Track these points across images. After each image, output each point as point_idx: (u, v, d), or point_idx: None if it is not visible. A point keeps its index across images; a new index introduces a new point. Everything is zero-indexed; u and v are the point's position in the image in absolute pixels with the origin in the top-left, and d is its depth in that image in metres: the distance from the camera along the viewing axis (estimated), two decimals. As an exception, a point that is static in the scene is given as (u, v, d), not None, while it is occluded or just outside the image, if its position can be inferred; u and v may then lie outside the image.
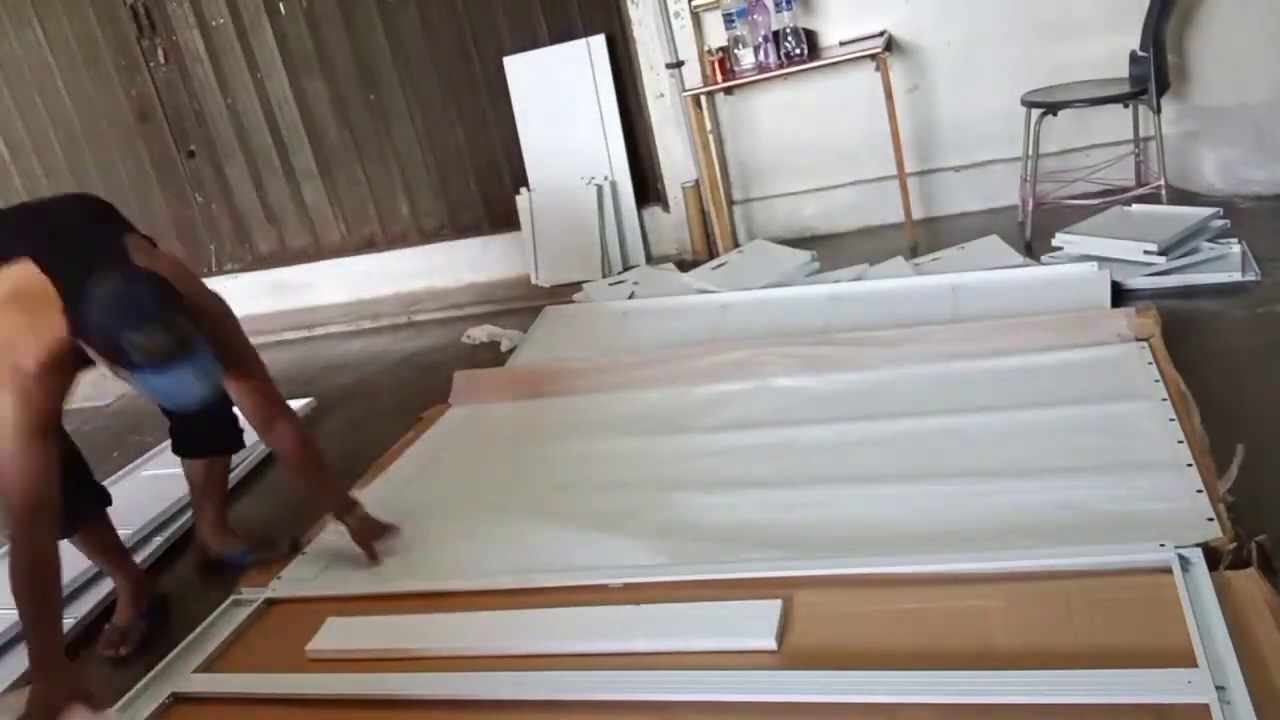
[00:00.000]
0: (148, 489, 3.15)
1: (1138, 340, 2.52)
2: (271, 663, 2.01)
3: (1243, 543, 1.68)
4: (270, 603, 2.24)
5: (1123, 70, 3.44)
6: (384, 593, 2.17)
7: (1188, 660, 1.44)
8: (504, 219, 4.74)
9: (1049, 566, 1.73)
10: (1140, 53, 3.32)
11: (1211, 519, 1.77)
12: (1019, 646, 1.58)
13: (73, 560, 2.65)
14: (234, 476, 3.12)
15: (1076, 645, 1.55)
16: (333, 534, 2.42)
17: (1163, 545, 1.68)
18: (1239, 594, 1.57)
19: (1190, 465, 1.94)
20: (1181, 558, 1.65)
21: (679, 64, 4.09)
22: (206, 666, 2.04)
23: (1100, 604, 1.63)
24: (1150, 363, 2.40)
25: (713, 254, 4.23)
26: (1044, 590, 1.68)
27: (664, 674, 1.68)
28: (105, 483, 3.19)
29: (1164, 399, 2.21)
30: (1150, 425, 2.14)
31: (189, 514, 2.89)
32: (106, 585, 2.58)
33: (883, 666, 1.58)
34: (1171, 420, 2.12)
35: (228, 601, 2.26)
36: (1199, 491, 1.85)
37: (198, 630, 2.15)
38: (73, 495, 2.11)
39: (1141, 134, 3.66)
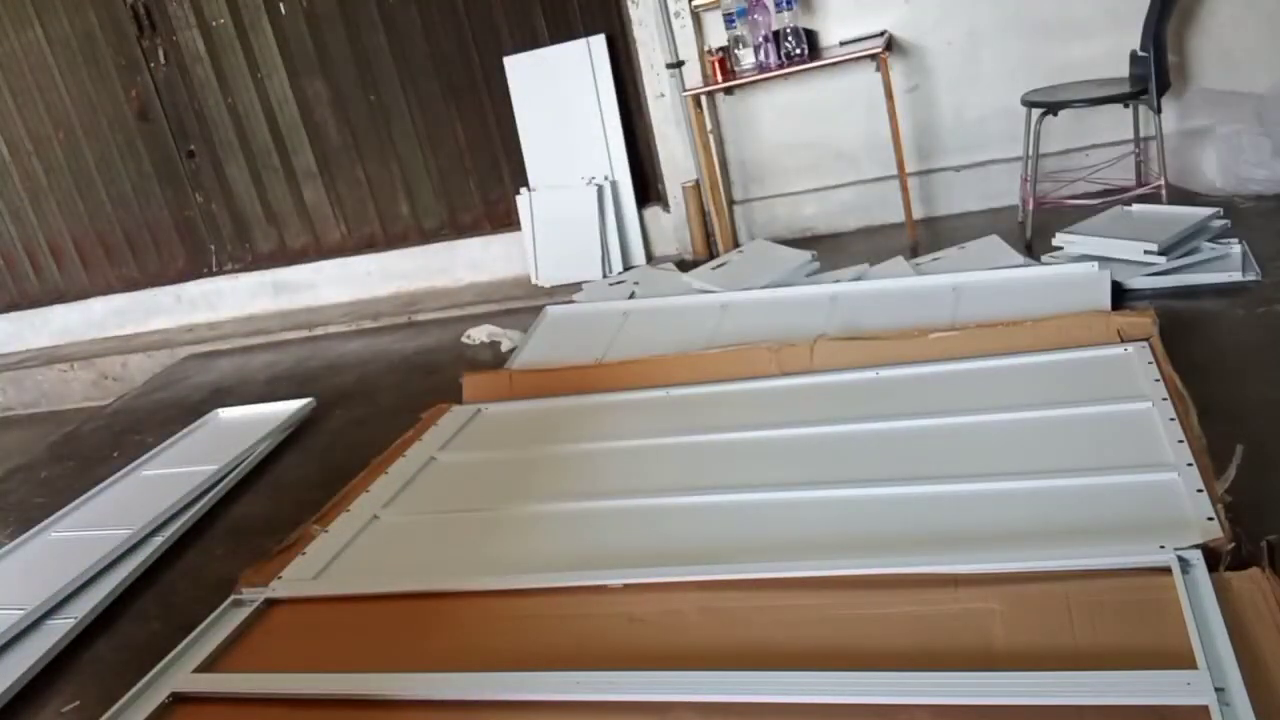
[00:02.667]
0: (147, 489, 3.14)
1: (1138, 340, 2.52)
2: (271, 663, 2.01)
3: (1241, 543, 1.68)
4: (270, 603, 2.23)
5: (1123, 70, 3.44)
6: (384, 593, 2.16)
7: (1187, 662, 1.44)
8: (504, 219, 4.74)
9: (1049, 568, 1.72)
10: (1140, 52, 3.32)
11: (1211, 519, 1.77)
12: (1019, 648, 1.58)
13: (72, 558, 2.69)
14: (234, 475, 3.13)
15: (1076, 647, 1.55)
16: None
17: (1162, 547, 1.68)
18: (1239, 595, 1.57)
19: (1191, 465, 1.94)
20: (1181, 559, 1.65)
21: (679, 64, 4.09)
22: (206, 666, 2.03)
23: (1100, 605, 1.62)
24: (1150, 362, 2.40)
25: (713, 254, 4.23)
26: (1043, 592, 1.68)
27: (663, 674, 1.67)
28: (106, 483, 3.24)
29: (1164, 399, 2.21)
30: (1151, 425, 2.14)
31: (189, 514, 2.91)
32: (107, 585, 2.58)
33: (882, 667, 1.58)
34: (1172, 420, 2.11)
35: (228, 601, 2.25)
36: (1199, 491, 1.85)
37: (198, 630, 2.15)
38: None
39: (1142, 134, 3.66)
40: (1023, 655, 1.56)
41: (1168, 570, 1.64)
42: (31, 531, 3.01)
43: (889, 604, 1.75)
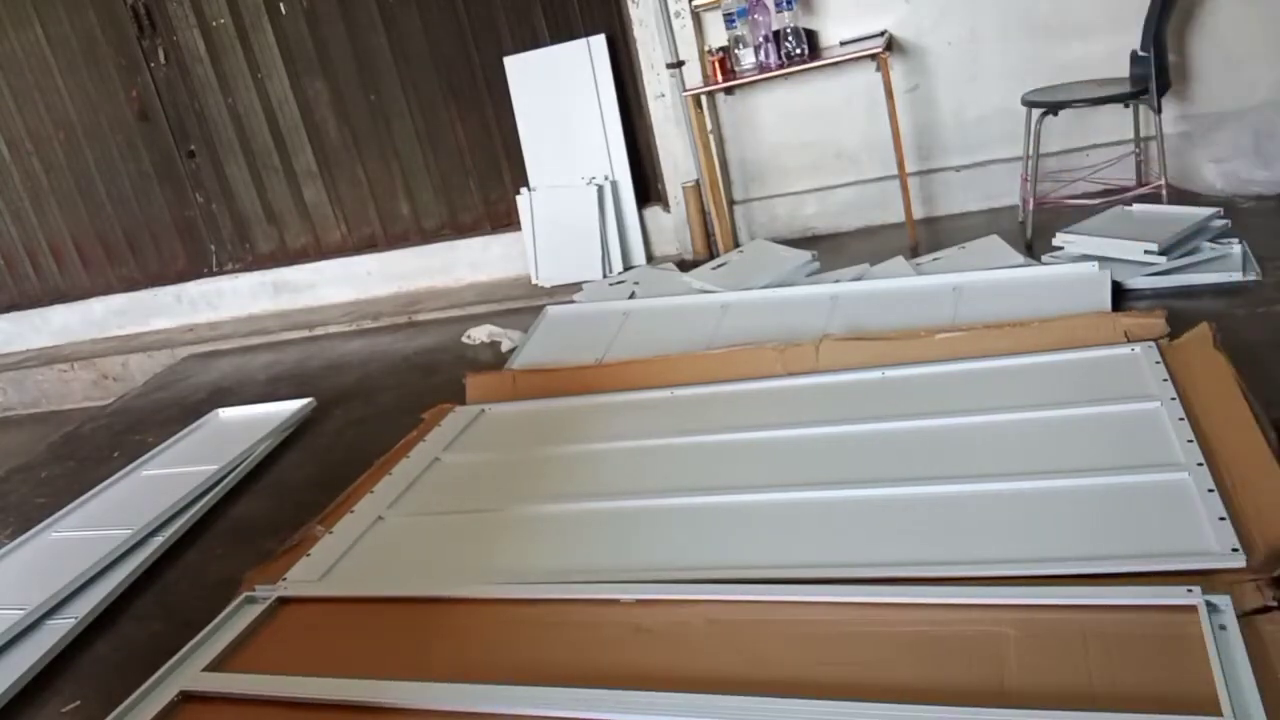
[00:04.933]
0: (148, 489, 3.14)
1: (1145, 341, 2.52)
2: (280, 663, 2.00)
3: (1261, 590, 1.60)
4: (283, 601, 2.22)
5: (1123, 70, 3.44)
6: (396, 596, 2.15)
7: (1211, 707, 1.37)
8: (504, 219, 4.74)
9: (1067, 603, 1.67)
10: (1141, 52, 3.32)
11: (1223, 518, 1.76)
12: (1031, 681, 1.52)
13: (72, 558, 2.69)
14: (234, 476, 3.13)
15: (1092, 685, 1.50)
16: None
17: (1190, 590, 1.60)
18: (1265, 639, 1.50)
19: (1201, 465, 1.94)
20: (1209, 603, 1.57)
21: (679, 64, 4.09)
22: (216, 665, 2.02)
23: (1118, 639, 1.56)
24: (1158, 362, 2.39)
25: (713, 254, 4.23)
26: (1059, 620, 1.62)
27: (669, 696, 1.64)
28: (106, 483, 3.23)
29: (1173, 398, 2.21)
30: (1161, 425, 2.13)
31: (189, 514, 2.91)
32: (107, 585, 2.58)
33: (893, 698, 1.53)
34: (1181, 420, 2.11)
35: (240, 599, 2.23)
36: (1210, 491, 1.85)
37: (208, 628, 2.13)
38: None
39: (1142, 134, 3.66)
40: (1036, 690, 1.50)
41: (1192, 606, 1.57)
42: (31, 531, 3.01)
43: (900, 623, 1.72)
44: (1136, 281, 2.97)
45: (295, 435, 3.46)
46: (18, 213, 5.39)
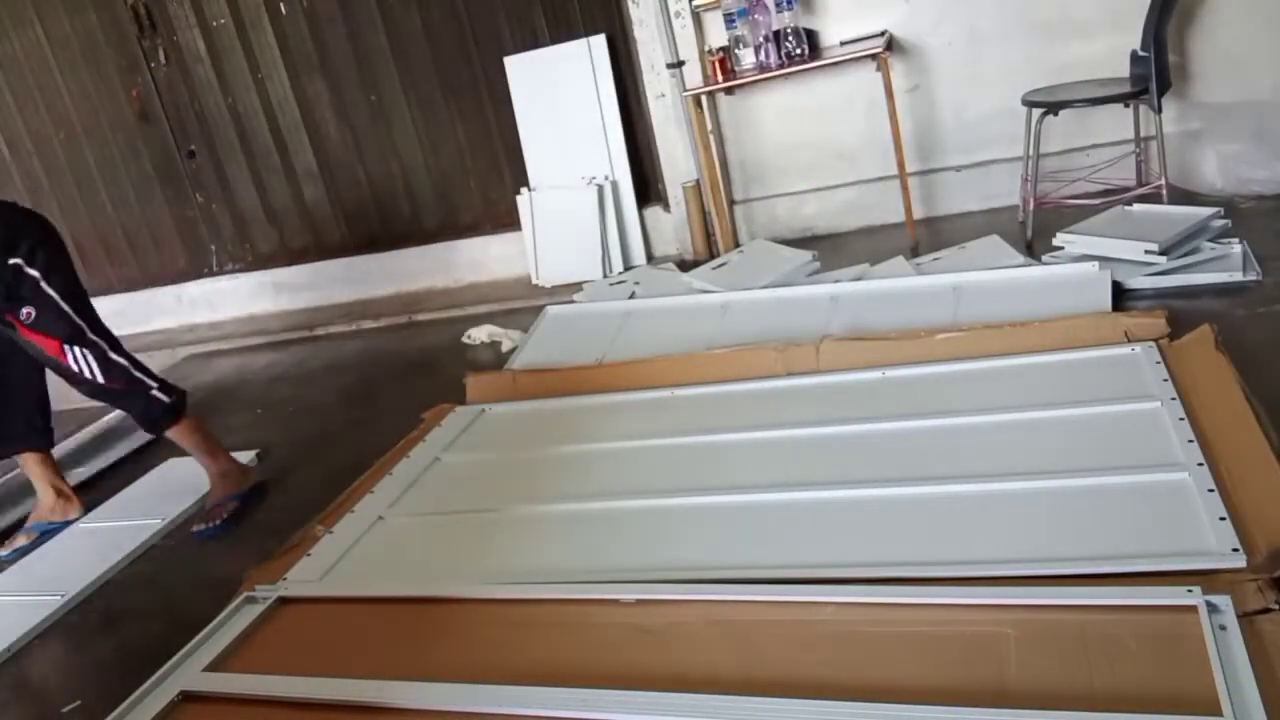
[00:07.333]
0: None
1: (1146, 341, 2.52)
2: (282, 663, 2.00)
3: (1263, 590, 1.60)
4: (283, 601, 2.22)
5: (1124, 70, 3.45)
6: (396, 596, 2.16)
7: (1211, 708, 1.37)
8: (504, 219, 4.74)
9: (1066, 603, 1.66)
10: (1141, 52, 3.32)
11: (1223, 518, 1.76)
12: (1031, 680, 1.52)
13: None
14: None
15: (1092, 685, 1.49)
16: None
17: (1190, 590, 1.60)
18: (1266, 639, 1.50)
19: (1201, 465, 1.94)
20: (1209, 604, 1.56)
21: (680, 64, 4.09)
22: (216, 665, 2.02)
23: (1118, 639, 1.55)
24: (1158, 362, 2.40)
25: (713, 254, 4.23)
26: (1059, 621, 1.62)
27: (669, 695, 1.64)
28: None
29: (1173, 398, 2.21)
30: (1161, 425, 2.14)
31: (185, 512, 2.92)
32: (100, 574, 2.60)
33: (892, 698, 1.52)
34: (1181, 420, 2.11)
35: (240, 599, 2.23)
36: (1210, 491, 1.85)
37: (209, 628, 2.13)
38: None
39: (1142, 134, 3.66)
40: (1036, 690, 1.50)
41: (1192, 606, 1.57)
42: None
43: (900, 623, 1.72)
44: (1137, 281, 2.97)
45: (294, 435, 3.46)
46: (18, 213, 5.39)
